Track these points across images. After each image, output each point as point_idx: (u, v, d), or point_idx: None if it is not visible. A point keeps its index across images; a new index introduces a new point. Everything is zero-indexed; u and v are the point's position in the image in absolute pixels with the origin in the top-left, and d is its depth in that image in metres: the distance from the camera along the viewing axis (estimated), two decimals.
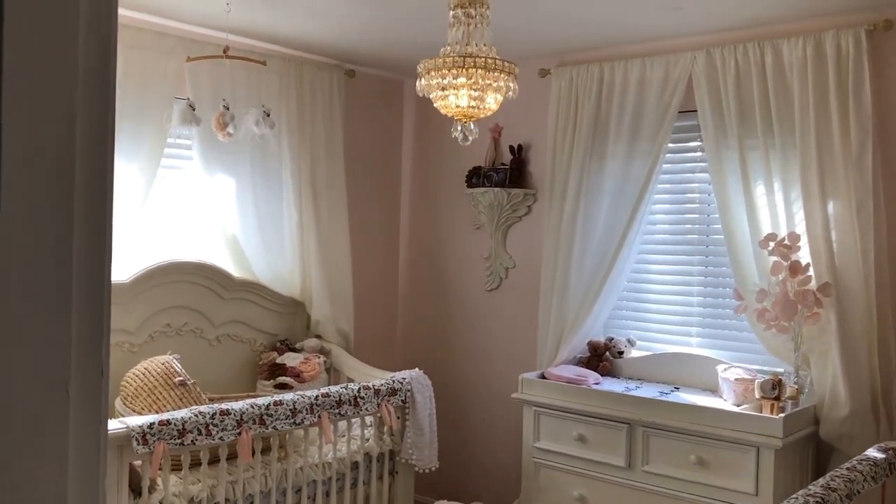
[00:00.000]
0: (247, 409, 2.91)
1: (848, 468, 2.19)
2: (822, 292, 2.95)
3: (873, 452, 2.36)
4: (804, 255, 3.04)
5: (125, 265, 3.40)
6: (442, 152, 4.43)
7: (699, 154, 3.56)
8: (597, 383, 3.45)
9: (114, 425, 2.61)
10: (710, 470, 2.95)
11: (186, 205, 3.73)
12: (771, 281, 3.08)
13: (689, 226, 3.62)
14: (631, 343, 3.73)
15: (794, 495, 1.96)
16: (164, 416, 2.72)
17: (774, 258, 3.04)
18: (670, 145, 3.55)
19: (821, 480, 2.07)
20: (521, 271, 4.14)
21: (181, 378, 3.10)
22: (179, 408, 2.94)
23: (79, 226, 0.74)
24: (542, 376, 3.54)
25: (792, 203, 3.12)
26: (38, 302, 0.72)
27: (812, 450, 3.09)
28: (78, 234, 0.75)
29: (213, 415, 2.82)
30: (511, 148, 4.07)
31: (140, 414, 2.95)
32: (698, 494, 2.98)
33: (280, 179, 3.93)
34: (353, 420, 3.41)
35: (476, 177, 4.16)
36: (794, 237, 3.04)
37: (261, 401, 3.00)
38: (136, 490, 2.69)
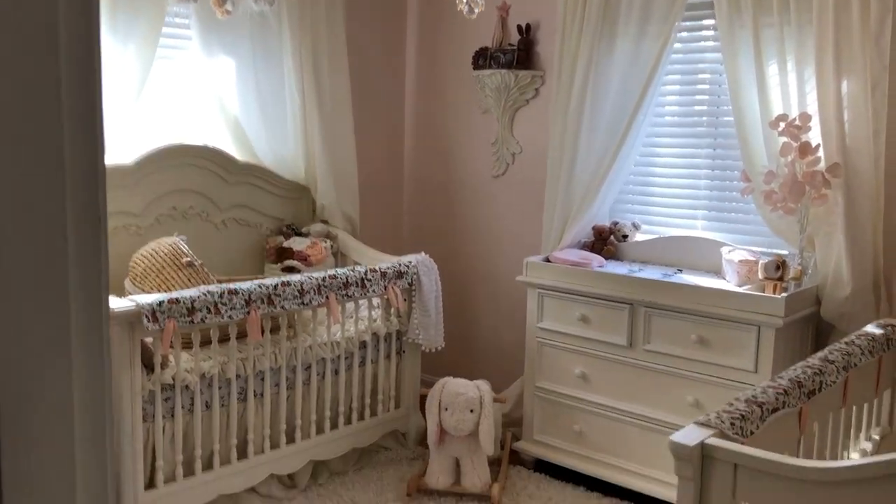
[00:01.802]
0: (255, 289, 2.95)
1: (846, 342, 2.22)
2: (830, 173, 2.92)
3: (872, 328, 2.40)
4: (814, 136, 2.99)
5: (128, 148, 3.38)
6: (448, 32, 4.31)
7: (711, 34, 3.46)
8: (601, 266, 3.48)
9: (124, 303, 2.66)
10: (711, 348, 3.01)
11: (188, 88, 3.67)
12: (780, 162, 3.04)
13: (699, 107, 3.56)
14: (636, 227, 3.73)
15: (793, 367, 2.00)
16: (174, 294, 2.76)
17: (784, 139, 3.00)
18: (682, 23, 3.44)
19: (819, 353, 2.11)
20: (528, 156, 4.10)
21: (189, 259, 3.13)
22: (188, 288, 2.98)
23: (67, 68, 0.73)
24: (547, 260, 3.57)
25: (805, 83, 3.04)
26: (28, 145, 0.71)
27: (812, 329, 3.13)
28: (66, 76, 0.73)
29: (221, 294, 2.86)
30: (519, 28, 3.96)
31: (149, 294, 2.99)
32: (698, 371, 3.05)
33: (281, 60, 3.85)
34: (360, 301, 3.46)
35: (482, 58, 4.06)
36: (806, 117, 2.99)
37: (269, 281, 3.03)
38: (148, 366, 2.76)
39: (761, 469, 1.42)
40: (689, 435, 1.52)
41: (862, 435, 2.40)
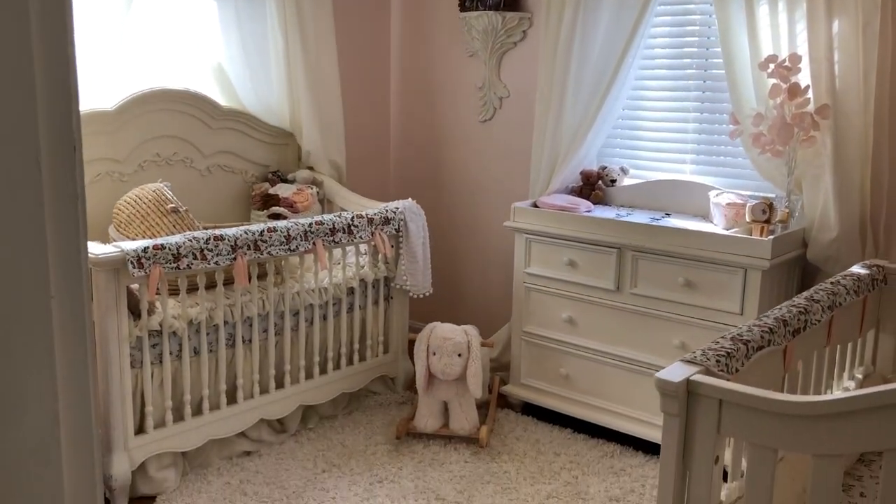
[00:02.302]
0: (241, 235, 2.93)
1: (832, 282, 2.23)
2: (819, 114, 2.90)
3: (857, 269, 2.41)
4: (804, 78, 2.97)
5: (109, 93, 3.32)
6: None
7: None
8: (588, 211, 3.47)
9: (108, 249, 2.63)
10: (697, 291, 3.02)
11: (169, 32, 3.59)
12: (768, 104, 3.02)
13: (689, 49, 3.51)
14: (624, 172, 3.72)
15: (778, 306, 2.01)
16: (159, 240, 2.74)
17: (773, 81, 2.97)
18: None
19: (805, 293, 2.12)
20: (516, 101, 4.06)
21: (174, 205, 3.09)
22: (173, 234, 2.95)
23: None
24: (535, 205, 3.55)
25: (796, 23, 3.00)
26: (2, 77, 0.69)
27: (798, 272, 3.15)
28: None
29: (207, 240, 2.84)
30: None
31: (134, 240, 2.97)
32: (684, 314, 3.07)
33: (263, 1, 3.76)
34: (347, 248, 3.45)
35: None
36: (795, 58, 2.96)
37: (255, 227, 3.01)
38: (135, 313, 2.75)
39: (746, 405, 1.43)
40: (675, 372, 1.53)
41: (845, 374, 2.43)
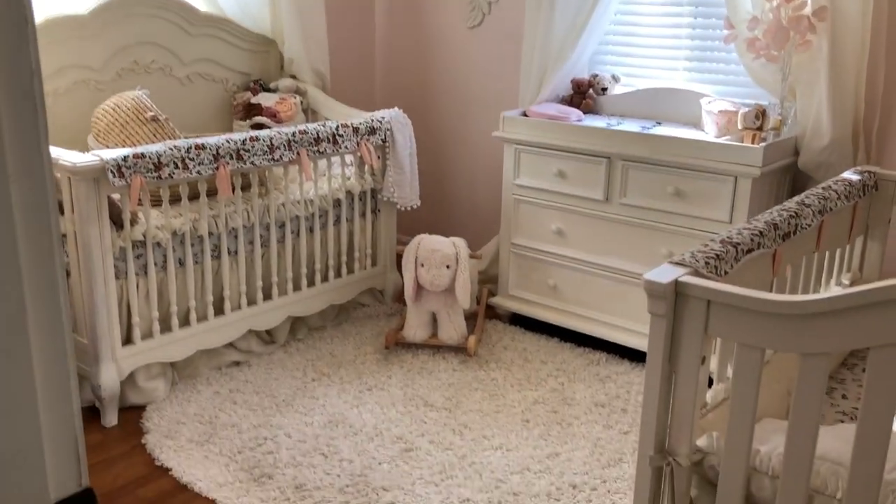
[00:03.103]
0: (223, 144, 2.87)
1: (823, 187, 2.21)
2: (816, 17, 2.82)
3: (849, 174, 2.38)
4: None
5: None
6: None
7: None
8: (579, 120, 3.40)
9: (88, 158, 2.57)
10: (687, 200, 3.00)
11: None
12: (764, 8, 2.93)
13: None
14: (615, 79, 3.63)
15: (769, 210, 1.99)
16: (139, 149, 2.67)
17: None
18: None
19: (796, 197, 2.09)
20: (505, 5, 3.93)
21: (153, 113, 3.01)
22: (153, 143, 2.88)
23: None
24: (524, 114, 3.48)
25: None
26: None
27: (788, 181, 3.12)
28: None
29: (188, 149, 2.77)
30: None
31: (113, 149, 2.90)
32: (672, 224, 3.05)
33: None
34: (332, 159, 3.39)
35: None
36: None
37: (237, 136, 2.94)
38: (117, 223, 2.71)
39: (735, 304, 1.42)
40: (663, 273, 1.51)
41: (833, 280, 2.43)
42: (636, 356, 3.26)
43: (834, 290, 2.38)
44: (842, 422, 2.00)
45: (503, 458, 2.60)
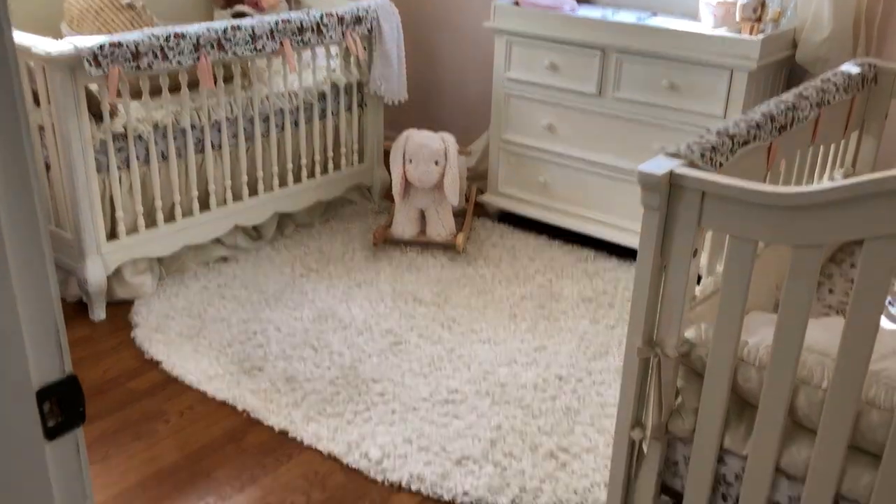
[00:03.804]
0: (203, 33, 2.76)
1: (822, 80, 2.15)
2: None
3: (849, 66, 2.32)
4: None
5: None
6: None
7: None
8: (573, 10, 3.29)
9: (62, 46, 2.47)
10: (681, 94, 2.93)
11: None
12: None
13: None
14: None
15: (766, 101, 1.94)
16: (116, 37, 2.57)
17: None
18: None
19: (794, 89, 2.04)
20: None
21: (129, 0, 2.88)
22: (130, 31, 2.77)
23: None
24: (516, 3, 3.36)
25: None
26: None
27: (784, 75, 3.06)
28: None
29: (167, 37, 2.66)
30: None
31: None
32: (666, 119, 3.00)
33: None
34: (317, 50, 3.28)
35: None
36: None
37: (217, 25, 2.83)
38: (97, 115, 2.63)
39: (730, 196, 1.40)
40: (658, 164, 1.48)
41: (826, 175, 2.41)
42: (625, 253, 3.26)
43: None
44: (827, 315, 2.02)
45: (491, 351, 2.63)
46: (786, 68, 3.04)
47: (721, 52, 2.80)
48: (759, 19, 2.82)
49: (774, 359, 1.43)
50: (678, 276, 1.52)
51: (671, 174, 1.46)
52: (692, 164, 1.52)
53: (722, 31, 2.90)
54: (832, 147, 2.37)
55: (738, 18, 2.86)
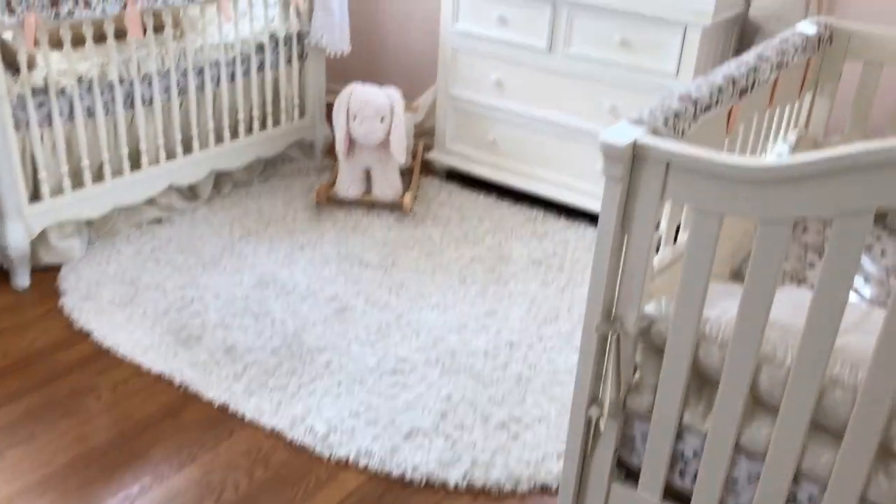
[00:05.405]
0: None
1: (781, 40, 2.09)
2: None
3: (805, 26, 2.27)
4: None
5: None
6: None
7: None
8: None
9: None
10: (633, 50, 2.86)
11: None
12: None
13: None
14: None
15: (726, 62, 1.88)
16: None
17: None
18: None
19: (754, 50, 1.98)
20: None
21: None
22: None
23: None
24: None
25: None
26: None
27: (736, 32, 3.00)
28: None
29: None
30: None
31: None
32: (617, 76, 2.92)
33: None
34: None
35: None
36: None
37: None
38: (13, 67, 2.43)
39: (696, 169, 1.33)
40: (620, 132, 1.40)
41: (780, 137, 2.37)
42: (573, 213, 3.21)
43: (781, 149, 2.32)
44: (780, 282, 1.99)
45: (440, 316, 2.56)
46: (737, 26, 2.98)
47: (675, 6, 2.72)
48: None
49: (738, 336, 1.38)
50: (639, 250, 1.45)
51: (635, 144, 1.38)
52: (656, 132, 1.45)
53: None
54: (787, 108, 2.33)
55: None
